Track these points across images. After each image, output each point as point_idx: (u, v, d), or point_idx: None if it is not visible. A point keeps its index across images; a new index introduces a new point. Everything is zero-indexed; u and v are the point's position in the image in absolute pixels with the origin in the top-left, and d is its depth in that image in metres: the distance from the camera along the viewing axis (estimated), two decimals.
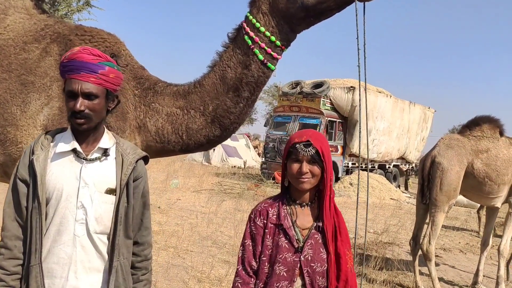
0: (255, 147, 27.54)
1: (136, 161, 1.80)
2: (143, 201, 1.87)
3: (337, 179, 16.44)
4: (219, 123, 2.49)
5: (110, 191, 1.74)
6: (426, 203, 5.23)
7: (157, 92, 2.56)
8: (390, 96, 18.31)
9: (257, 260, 1.93)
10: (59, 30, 2.72)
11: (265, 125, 17.37)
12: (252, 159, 23.46)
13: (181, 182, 13.18)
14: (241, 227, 7.04)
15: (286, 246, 1.89)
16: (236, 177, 16.16)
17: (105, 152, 1.76)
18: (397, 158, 19.19)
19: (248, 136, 30.10)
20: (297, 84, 17.04)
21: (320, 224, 1.91)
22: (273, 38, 2.34)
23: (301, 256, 1.87)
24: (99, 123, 1.75)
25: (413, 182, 19.40)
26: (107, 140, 1.79)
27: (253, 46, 2.38)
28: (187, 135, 2.53)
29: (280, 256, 1.88)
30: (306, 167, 1.87)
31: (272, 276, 1.88)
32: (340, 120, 16.39)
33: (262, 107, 45.60)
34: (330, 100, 16.26)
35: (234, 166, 21.46)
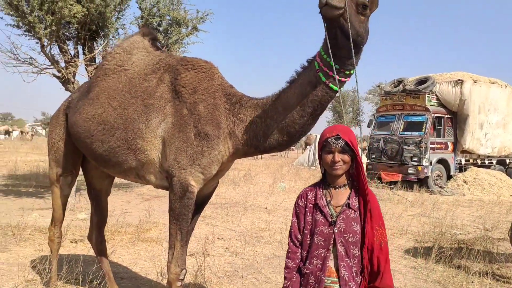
0: (364, 149, 27.22)
1: None
2: None
3: (449, 177, 15.75)
4: (287, 131, 2.94)
5: None
6: None
7: (242, 105, 3.12)
8: (506, 86, 17.01)
9: (301, 233, 2.33)
10: (169, 62, 3.47)
11: (368, 126, 17.23)
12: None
13: (288, 186, 13.83)
14: None
15: (322, 220, 2.27)
16: None
17: None
18: None
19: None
20: (399, 82, 16.68)
21: (350, 201, 2.27)
22: (332, 63, 2.69)
23: (335, 228, 2.23)
24: None
25: None
26: None
27: (318, 70, 2.77)
28: (263, 139, 3.04)
29: (317, 229, 2.27)
30: (338, 156, 2.24)
31: (312, 245, 2.27)
32: (448, 116, 15.69)
33: (368, 108, 44.71)
34: (436, 95, 15.67)
35: None
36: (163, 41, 9.22)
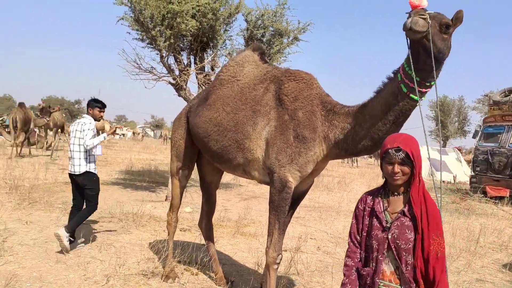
0: (469, 161, 25.61)
1: None
2: None
3: None
4: (371, 137, 3.23)
5: None
6: None
7: (336, 112, 3.48)
8: None
9: (360, 234, 2.41)
10: (274, 74, 3.95)
11: (473, 137, 16.27)
12: (464, 173, 21.96)
13: None
14: None
15: (377, 225, 2.33)
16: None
17: None
18: None
19: (460, 150, 28.16)
20: (510, 91, 15.61)
21: (406, 209, 2.29)
22: (413, 75, 2.91)
23: (389, 234, 2.28)
24: None
25: None
26: None
27: (400, 81, 3.01)
28: (352, 143, 3.36)
29: (373, 232, 2.33)
30: (397, 168, 2.27)
31: (368, 248, 2.36)
32: None
33: (476, 118, 41.71)
34: None
35: (444, 182, 20.54)
36: (266, 52, 9.81)
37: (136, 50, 9.32)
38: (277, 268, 3.70)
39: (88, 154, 5.67)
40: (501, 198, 13.99)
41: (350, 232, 2.50)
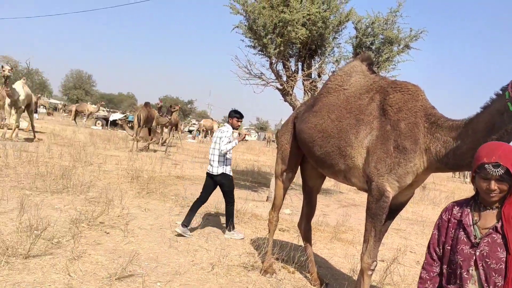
0: None
1: None
2: None
3: None
4: (472, 153, 3.07)
5: None
6: None
7: (439, 125, 3.44)
8: None
9: (441, 247, 2.23)
10: (381, 84, 4.03)
11: None
12: None
13: None
14: None
15: (464, 239, 2.11)
16: None
17: None
18: None
19: None
20: None
21: (499, 225, 2.05)
22: None
23: (477, 251, 2.05)
24: None
25: None
26: None
27: (508, 99, 2.86)
28: (453, 158, 3.30)
29: (458, 247, 2.12)
30: (494, 185, 2.02)
31: (452, 263, 2.16)
32: None
33: None
34: None
35: None
36: (374, 59, 9.74)
37: (247, 56, 9.81)
38: (371, 275, 3.78)
39: (225, 158, 6.45)
40: None
41: (429, 244, 2.32)
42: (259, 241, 6.08)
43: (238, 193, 10.77)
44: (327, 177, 4.90)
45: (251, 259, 5.29)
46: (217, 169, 6.41)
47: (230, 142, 6.40)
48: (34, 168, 9.38)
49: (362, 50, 9.86)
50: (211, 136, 36.74)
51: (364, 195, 8.39)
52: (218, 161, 6.43)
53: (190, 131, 43.00)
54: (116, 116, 36.43)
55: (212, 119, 42.98)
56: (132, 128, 20.60)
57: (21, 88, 15.21)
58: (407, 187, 3.70)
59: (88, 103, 36.57)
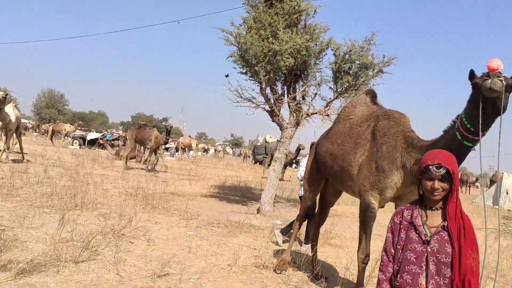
0: None
1: None
2: None
3: None
4: None
5: None
6: None
7: (414, 146, 4.18)
8: None
9: (395, 248, 2.43)
10: (377, 114, 4.85)
11: None
12: None
13: None
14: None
15: (416, 239, 2.35)
16: None
17: None
18: None
19: None
20: None
21: (446, 224, 2.32)
22: (468, 125, 3.39)
23: (428, 248, 2.31)
24: None
25: None
26: None
27: (456, 129, 3.54)
28: None
29: (411, 245, 2.35)
30: (438, 184, 2.30)
31: (403, 261, 2.38)
32: None
33: None
34: None
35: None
36: (352, 83, 10.86)
37: (239, 82, 10.81)
38: (364, 267, 4.69)
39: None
40: None
41: (385, 247, 2.50)
42: (261, 247, 6.95)
43: (230, 206, 11.64)
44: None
45: (260, 260, 6.15)
46: (300, 192, 7.75)
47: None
48: (40, 188, 9.98)
49: (341, 74, 11.00)
50: (188, 155, 37.37)
51: (344, 207, 9.71)
52: (301, 185, 7.48)
53: (166, 149, 43.36)
54: (93, 135, 36.62)
55: (190, 136, 43.51)
56: (113, 146, 21.19)
57: (11, 111, 15.66)
58: (402, 198, 4.47)
59: (68, 124, 36.56)
